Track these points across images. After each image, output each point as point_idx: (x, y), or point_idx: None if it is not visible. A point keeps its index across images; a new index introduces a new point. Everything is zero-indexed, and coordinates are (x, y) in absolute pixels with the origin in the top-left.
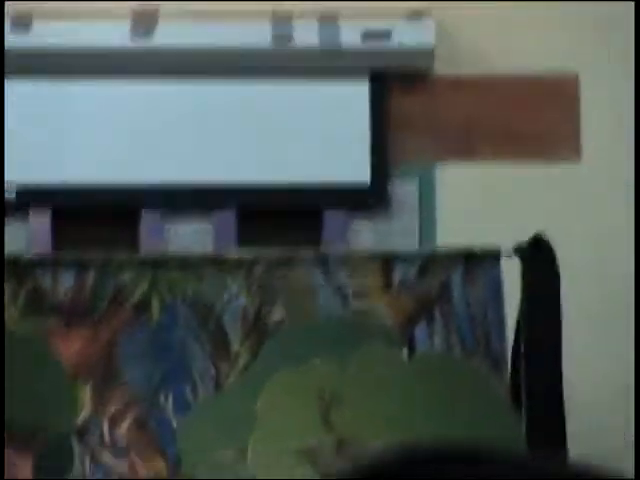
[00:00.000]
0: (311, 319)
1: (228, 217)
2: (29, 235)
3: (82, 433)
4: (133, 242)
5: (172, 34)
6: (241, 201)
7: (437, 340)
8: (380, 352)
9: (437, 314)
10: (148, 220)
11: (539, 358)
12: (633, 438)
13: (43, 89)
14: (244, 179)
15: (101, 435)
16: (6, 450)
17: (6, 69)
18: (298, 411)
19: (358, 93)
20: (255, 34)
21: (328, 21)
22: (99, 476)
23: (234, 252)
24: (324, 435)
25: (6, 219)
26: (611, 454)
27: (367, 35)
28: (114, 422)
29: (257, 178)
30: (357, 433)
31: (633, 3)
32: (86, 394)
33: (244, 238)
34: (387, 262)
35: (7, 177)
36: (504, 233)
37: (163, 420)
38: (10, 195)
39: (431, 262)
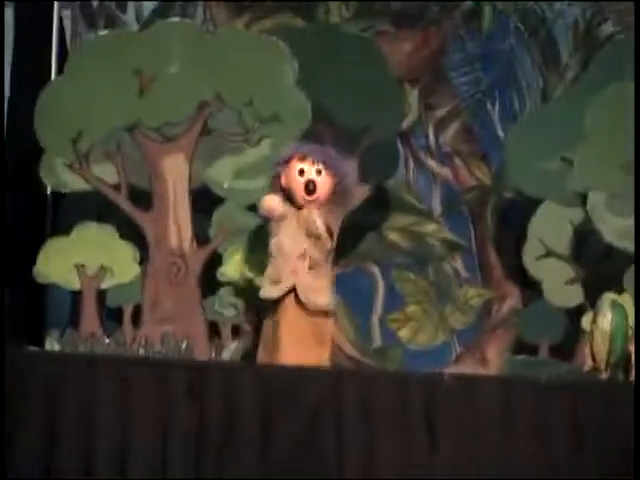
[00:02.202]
0: None
1: None
2: None
3: (408, 137)
4: None
5: None
6: None
7: None
8: None
9: None
10: None
11: None
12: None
13: None
14: None
15: (426, 140)
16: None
17: None
18: (627, 125)
19: None
20: None
21: None
22: (422, 180)
23: None
24: None
25: None
26: None
27: None
28: (440, 127)
29: None
30: None
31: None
32: (413, 98)
33: None
34: None
35: None
36: None
37: (489, 127)
38: None
39: None
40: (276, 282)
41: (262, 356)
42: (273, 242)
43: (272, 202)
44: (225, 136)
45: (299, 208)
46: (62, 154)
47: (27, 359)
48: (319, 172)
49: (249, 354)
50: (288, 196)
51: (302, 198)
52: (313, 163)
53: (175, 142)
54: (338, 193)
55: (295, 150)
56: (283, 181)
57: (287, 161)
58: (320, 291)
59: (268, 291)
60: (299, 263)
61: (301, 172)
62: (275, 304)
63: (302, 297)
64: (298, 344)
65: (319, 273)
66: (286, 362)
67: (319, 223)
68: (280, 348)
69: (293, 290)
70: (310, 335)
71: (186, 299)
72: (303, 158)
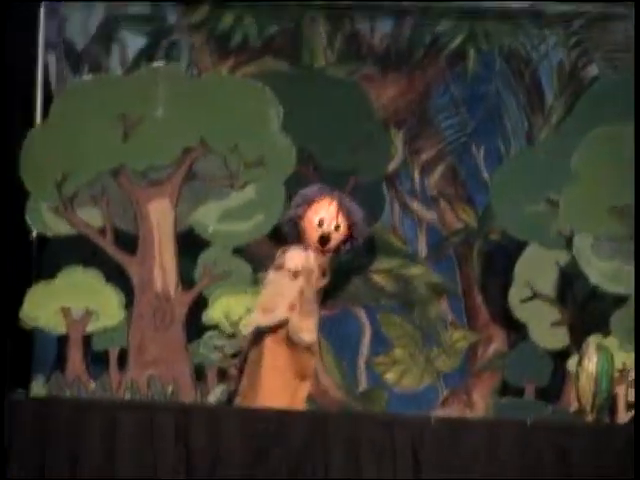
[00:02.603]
0: (629, 75)
1: None
2: None
3: (393, 180)
4: None
5: None
6: None
7: None
8: None
9: None
10: None
11: None
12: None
13: None
14: None
15: (412, 183)
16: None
17: None
18: (613, 168)
19: None
20: None
21: None
22: (408, 223)
23: (553, 5)
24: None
25: None
26: None
27: None
28: (425, 170)
29: None
30: None
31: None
32: (399, 141)
33: None
34: None
35: None
36: None
37: (475, 170)
38: None
39: None
40: (270, 311)
41: (244, 388)
42: (274, 273)
43: (298, 261)
44: (210, 180)
45: (305, 246)
46: (47, 198)
47: (13, 404)
48: (337, 228)
49: (235, 397)
50: (298, 231)
51: (314, 245)
52: (334, 217)
53: (160, 186)
54: (347, 244)
55: (319, 194)
56: (300, 221)
57: (310, 203)
58: (306, 328)
59: (260, 319)
60: (298, 299)
61: (320, 222)
62: (260, 335)
63: (291, 331)
64: (280, 377)
65: (307, 310)
66: (267, 394)
67: (312, 257)
68: (262, 381)
69: (283, 323)
70: (292, 369)
71: (172, 343)
72: (326, 208)
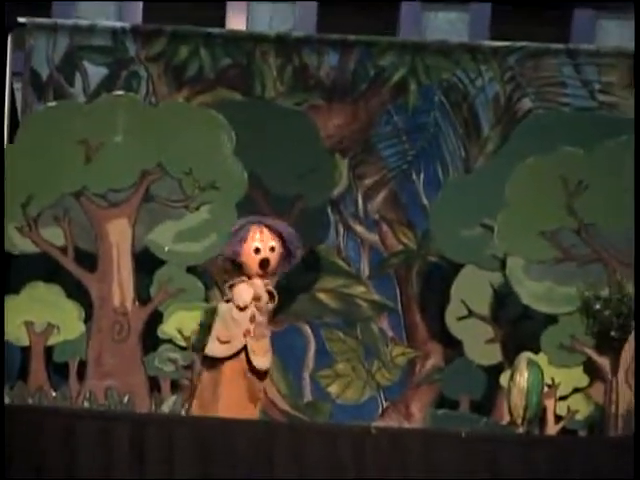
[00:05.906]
0: (559, 109)
1: (484, 9)
2: (296, 15)
3: (338, 204)
4: (392, 29)
5: None
6: None
7: None
8: (626, 144)
9: None
10: (408, 8)
11: None
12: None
13: None
14: None
15: (356, 207)
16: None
17: None
18: (544, 195)
19: None
20: None
21: None
22: (352, 245)
23: (489, 42)
24: (567, 219)
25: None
26: None
27: None
28: (368, 195)
29: None
30: (599, 219)
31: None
32: (343, 168)
33: (497, 30)
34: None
35: None
36: None
37: (415, 196)
38: None
39: None
40: (226, 342)
41: (197, 409)
42: (226, 305)
43: (246, 296)
44: (166, 202)
45: (249, 277)
46: (13, 218)
47: None
48: (272, 249)
49: (187, 407)
50: (239, 265)
51: (256, 272)
52: (267, 241)
53: (119, 207)
54: (285, 260)
55: (248, 228)
56: (238, 258)
57: (244, 239)
58: (261, 353)
59: (217, 350)
60: (251, 325)
61: (256, 250)
62: (216, 361)
63: (251, 357)
64: (235, 400)
65: (259, 333)
66: (221, 415)
67: (258, 286)
68: (218, 403)
69: (240, 351)
70: (245, 392)
71: (128, 355)
72: (257, 235)
